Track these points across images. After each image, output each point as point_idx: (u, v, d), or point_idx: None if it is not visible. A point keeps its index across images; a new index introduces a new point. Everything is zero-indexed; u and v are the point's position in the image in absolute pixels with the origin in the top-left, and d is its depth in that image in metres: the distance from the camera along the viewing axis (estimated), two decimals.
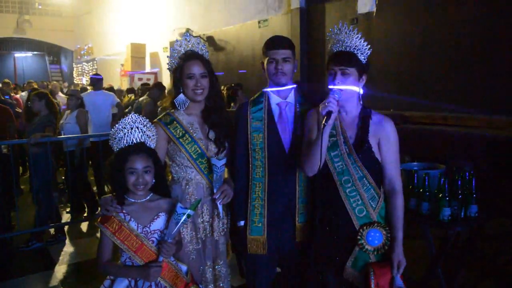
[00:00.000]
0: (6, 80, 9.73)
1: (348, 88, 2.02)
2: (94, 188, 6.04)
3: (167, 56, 2.39)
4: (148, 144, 2.10)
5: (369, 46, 2.10)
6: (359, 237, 2.02)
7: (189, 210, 1.93)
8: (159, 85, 6.77)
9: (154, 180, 2.06)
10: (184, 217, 1.92)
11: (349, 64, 2.02)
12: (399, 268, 1.98)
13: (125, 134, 2.03)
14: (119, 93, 9.38)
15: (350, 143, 2.05)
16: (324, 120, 1.93)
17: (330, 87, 2.02)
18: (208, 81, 2.30)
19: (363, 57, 2.08)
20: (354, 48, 2.07)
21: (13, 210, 5.01)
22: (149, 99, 6.26)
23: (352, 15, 5.67)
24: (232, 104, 6.11)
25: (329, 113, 1.93)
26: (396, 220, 2.03)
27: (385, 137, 2.06)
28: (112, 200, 2.00)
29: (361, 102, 2.12)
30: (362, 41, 2.08)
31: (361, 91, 2.09)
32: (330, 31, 2.18)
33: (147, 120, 2.14)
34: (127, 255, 1.98)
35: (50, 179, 4.83)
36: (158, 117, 2.34)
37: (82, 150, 5.34)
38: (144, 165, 2.00)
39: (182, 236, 2.20)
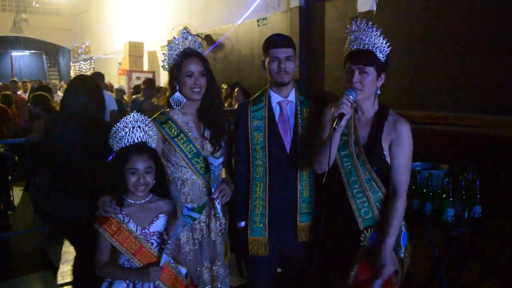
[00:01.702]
0: (15, 79, 9.99)
1: (366, 89, 1.95)
2: None
3: (163, 53, 2.36)
4: (149, 144, 2.06)
5: (388, 43, 1.99)
6: (362, 238, 1.98)
7: (194, 213, 1.88)
8: (149, 82, 6.70)
9: (154, 181, 2.02)
10: (189, 219, 1.87)
11: (367, 63, 1.95)
12: (382, 273, 1.89)
13: (126, 133, 1.98)
14: (121, 92, 9.18)
15: (360, 144, 2.00)
16: (335, 122, 1.87)
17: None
18: (206, 80, 2.27)
19: (382, 55, 1.98)
20: (372, 46, 1.97)
21: (11, 210, 4.97)
22: (148, 100, 6.18)
23: (352, 13, 5.63)
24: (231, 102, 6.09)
25: (341, 115, 1.87)
26: (389, 225, 1.93)
27: (397, 139, 1.97)
28: (111, 201, 1.96)
29: (377, 102, 2.06)
30: (381, 38, 1.98)
31: (378, 91, 2.02)
32: (348, 28, 2.07)
33: (149, 119, 2.10)
34: (126, 257, 1.94)
35: None
36: (153, 116, 2.30)
37: None
38: (145, 165, 1.96)
39: (179, 237, 2.16)
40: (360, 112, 2.05)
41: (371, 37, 1.98)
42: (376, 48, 1.98)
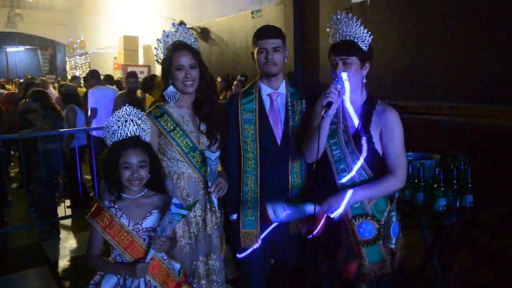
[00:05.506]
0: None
1: (349, 78, 1.97)
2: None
3: (154, 48, 2.34)
4: (143, 138, 2.03)
5: (369, 33, 2.03)
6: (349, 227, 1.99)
7: (183, 211, 1.85)
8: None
9: (149, 176, 2.00)
10: (178, 217, 1.85)
11: (349, 54, 1.98)
12: (325, 209, 1.95)
13: (119, 127, 1.96)
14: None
15: (349, 132, 2.02)
16: (323, 111, 1.89)
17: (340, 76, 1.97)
18: (198, 72, 2.24)
19: (364, 45, 2.02)
20: (354, 37, 2.02)
21: (5, 206, 4.96)
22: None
23: (346, 4, 5.62)
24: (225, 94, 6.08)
25: (329, 104, 1.88)
26: (368, 185, 1.97)
27: (386, 127, 2.01)
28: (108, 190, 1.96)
29: (365, 91, 2.09)
30: (362, 28, 2.02)
31: (364, 80, 2.06)
32: (330, 21, 2.10)
33: (142, 113, 2.07)
34: (118, 252, 1.93)
35: (57, 174, 4.81)
36: (148, 110, 2.27)
37: (70, 149, 5.25)
38: (139, 159, 1.94)
39: (175, 231, 2.14)
40: (349, 102, 2.05)
41: (352, 28, 2.02)
42: (358, 38, 2.02)
